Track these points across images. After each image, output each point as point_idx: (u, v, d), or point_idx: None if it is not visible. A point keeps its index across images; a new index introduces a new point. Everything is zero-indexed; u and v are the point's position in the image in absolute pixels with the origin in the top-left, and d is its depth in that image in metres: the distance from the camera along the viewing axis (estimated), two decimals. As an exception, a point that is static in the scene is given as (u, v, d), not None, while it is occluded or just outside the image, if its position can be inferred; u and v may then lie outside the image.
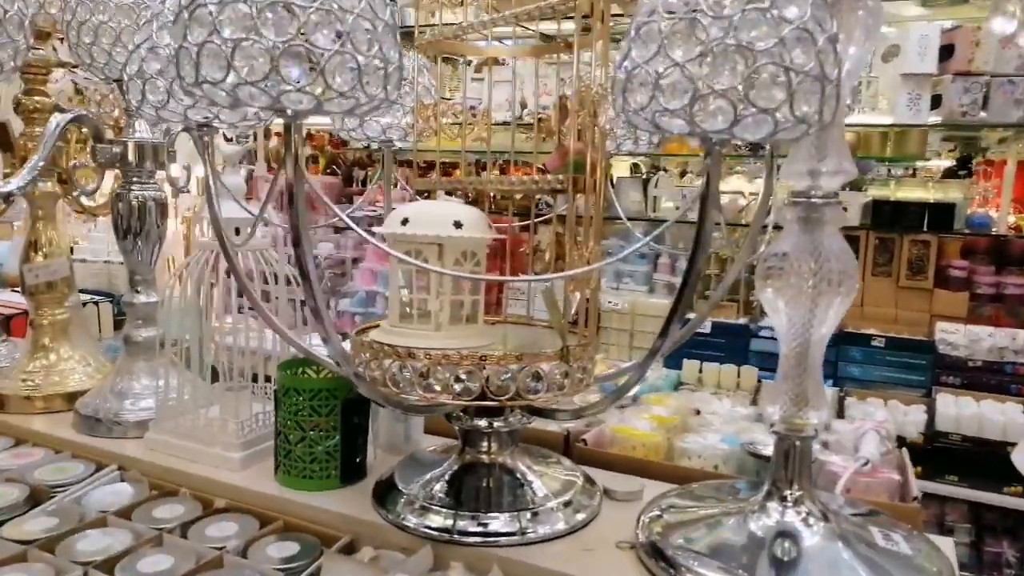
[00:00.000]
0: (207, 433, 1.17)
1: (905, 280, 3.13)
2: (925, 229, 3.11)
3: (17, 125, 1.42)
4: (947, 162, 3.99)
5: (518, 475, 1.02)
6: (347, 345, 0.99)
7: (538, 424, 1.08)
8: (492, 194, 1.08)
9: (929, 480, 2.49)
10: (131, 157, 1.28)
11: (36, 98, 1.39)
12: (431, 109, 1.09)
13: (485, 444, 1.03)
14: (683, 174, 4.21)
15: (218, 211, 0.96)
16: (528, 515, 0.96)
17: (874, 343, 2.93)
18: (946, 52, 2.87)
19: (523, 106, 3.46)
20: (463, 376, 0.88)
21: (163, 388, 1.21)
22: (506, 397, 0.89)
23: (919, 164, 4.00)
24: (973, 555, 2.53)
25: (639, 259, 3.63)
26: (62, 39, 1.27)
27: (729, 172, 3.77)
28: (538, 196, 1.09)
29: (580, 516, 0.98)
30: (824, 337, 0.85)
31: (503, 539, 0.93)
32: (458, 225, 0.92)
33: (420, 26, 1.09)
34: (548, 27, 1.04)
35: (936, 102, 2.91)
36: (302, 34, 0.61)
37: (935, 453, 2.48)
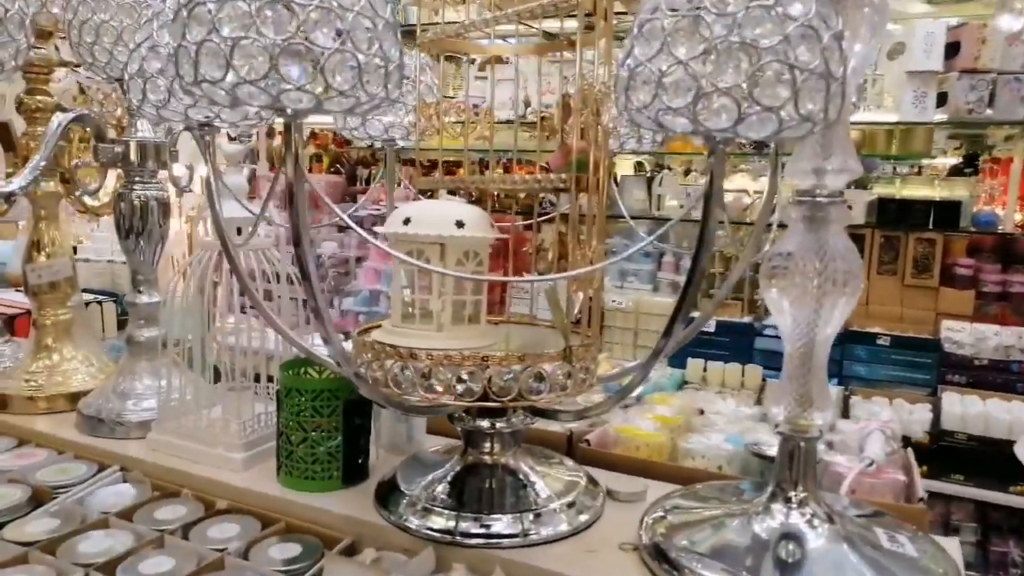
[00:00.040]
0: (209, 434, 1.17)
1: (911, 278, 3.12)
2: (931, 227, 3.09)
3: (20, 125, 1.42)
4: (953, 160, 3.98)
5: (521, 476, 1.01)
6: (349, 345, 0.98)
7: (541, 424, 1.08)
8: (495, 193, 1.08)
9: (935, 479, 2.48)
10: (133, 156, 1.27)
11: (38, 97, 1.38)
12: (433, 108, 1.08)
13: (487, 445, 1.02)
14: (687, 172, 4.20)
15: (219, 211, 0.95)
16: (531, 516, 0.95)
17: (879, 342, 2.91)
18: (952, 49, 2.85)
19: (527, 104, 3.46)
20: (465, 377, 0.87)
21: (165, 388, 1.21)
22: (508, 398, 0.88)
23: (925, 162, 3.98)
24: (979, 554, 2.51)
25: (643, 258, 3.62)
26: (64, 38, 1.26)
27: (733, 170, 3.76)
28: (541, 195, 1.08)
29: (583, 517, 0.98)
30: (829, 337, 0.84)
31: (506, 541, 0.93)
32: (460, 225, 0.92)
33: (422, 24, 1.08)
34: (551, 25, 1.03)
35: (942, 100, 2.90)
36: (302, 32, 0.61)
37: (941, 452, 2.46)
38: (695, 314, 1.07)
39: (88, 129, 1.29)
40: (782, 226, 0.93)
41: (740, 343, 2.96)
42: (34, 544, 0.97)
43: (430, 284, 0.96)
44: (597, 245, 0.92)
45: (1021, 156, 3.33)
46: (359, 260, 3.95)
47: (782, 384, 0.88)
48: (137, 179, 1.29)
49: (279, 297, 1.17)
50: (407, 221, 0.93)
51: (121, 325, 2.11)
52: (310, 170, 4.75)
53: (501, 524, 0.94)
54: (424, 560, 0.90)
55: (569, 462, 1.11)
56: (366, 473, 1.11)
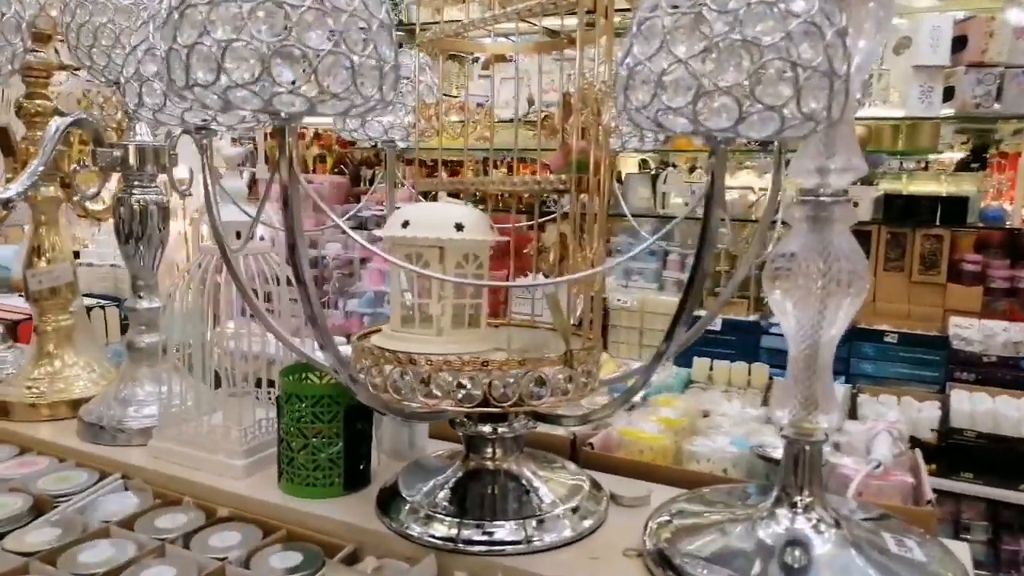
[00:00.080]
0: (210, 440, 1.16)
1: (918, 275, 3.10)
2: (938, 223, 3.07)
3: (19, 129, 1.41)
4: (960, 154, 3.94)
5: (523, 481, 1.00)
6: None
7: (544, 428, 1.06)
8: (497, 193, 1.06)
9: (944, 478, 2.45)
10: (132, 161, 1.27)
11: (37, 101, 1.38)
12: (433, 108, 1.07)
13: (489, 450, 1.01)
14: (692, 170, 4.18)
15: (217, 215, 0.94)
16: (534, 523, 0.94)
17: (887, 339, 2.89)
18: (959, 43, 2.83)
19: (530, 103, 3.44)
20: (465, 382, 0.86)
21: (166, 394, 1.20)
22: (509, 403, 0.87)
23: (931, 157, 3.96)
24: (990, 553, 2.49)
25: (649, 256, 3.60)
26: (63, 41, 1.26)
27: (739, 167, 3.74)
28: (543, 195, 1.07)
29: (587, 523, 0.96)
30: (834, 339, 0.83)
31: (509, 548, 0.92)
32: (459, 227, 0.91)
33: (422, 24, 1.07)
34: (553, 22, 1.02)
35: (949, 94, 2.87)
36: (294, 34, 0.59)
37: (950, 450, 2.44)
38: (701, 313, 1.06)
39: (84, 133, 1.28)
40: (787, 224, 0.92)
41: (746, 341, 2.94)
42: (35, 554, 0.96)
43: (430, 288, 0.95)
44: (598, 247, 0.91)
45: (1029, 151, 3.31)
46: (363, 261, 3.94)
47: (787, 386, 0.86)
48: (136, 183, 1.28)
49: (279, 301, 1.16)
50: (406, 224, 0.92)
51: (124, 330, 2.10)
52: (314, 170, 4.74)
53: (504, 531, 0.93)
54: (425, 568, 0.89)
55: (572, 466, 1.10)
56: (368, 479, 1.10)
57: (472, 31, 1.01)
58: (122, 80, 0.91)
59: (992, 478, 2.46)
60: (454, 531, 0.93)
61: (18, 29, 0.97)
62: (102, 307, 2.08)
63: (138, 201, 1.29)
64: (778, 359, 2.58)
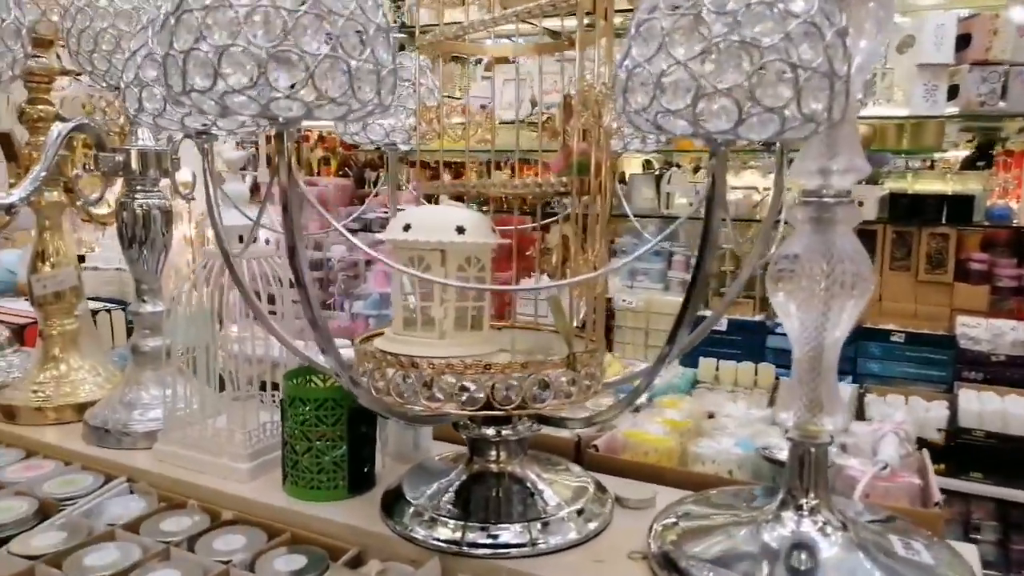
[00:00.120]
0: (215, 443, 1.16)
1: (924, 274, 3.08)
2: (944, 222, 3.05)
3: (22, 134, 1.42)
4: (965, 152, 3.92)
5: (528, 484, 1.00)
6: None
7: (548, 429, 1.06)
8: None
9: (953, 478, 2.44)
10: (134, 165, 1.27)
11: (40, 107, 1.38)
12: (434, 111, 1.07)
13: (493, 453, 1.01)
14: (696, 170, 4.17)
15: (219, 219, 0.94)
16: (538, 525, 0.94)
17: (893, 339, 2.87)
18: (963, 41, 2.81)
19: (534, 104, 3.44)
20: (467, 385, 0.86)
21: (171, 398, 1.20)
22: (512, 406, 0.87)
23: (937, 156, 3.93)
24: (1000, 554, 2.47)
25: (654, 256, 3.59)
26: (65, 46, 1.26)
27: (743, 167, 3.73)
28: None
29: (592, 525, 0.96)
30: (838, 340, 0.82)
31: (513, 550, 0.91)
32: (460, 230, 0.90)
33: (422, 26, 1.07)
34: (555, 23, 1.01)
35: (953, 92, 2.85)
36: (290, 39, 0.59)
37: (958, 450, 2.43)
38: (706, 313, 1.05)
39: (87, 138, 1.28)
40: (791, 224, 0.91)
41: (752, 341, 2.92)
42: (40, 558, 0.96)
43: (431, 291, 0.95)
44: (600, 249, 0.90)
45: (1035, 148, 3.29)
46: (368, 264, 3.94)
47: (791, 388, 0.86)
48: (139, 188, 1.29)
49: (283, 303, 1.16)
50: (407, 228, 0.92)
51: (131, 333, 2.11)
52: (318, 173, 4.75)
53: (509, 534, 0.93)
54: (430, 571, 0.89)
55: (576, 468, 1.10)
56: (372, 482, 1.10)
57: (472, 33, 1.01)
58: (122, 85, 0.91)
59: (1001, 478, 2.45)
60: (458, 534, 0.93)
61: (18, 35, 0.97)
62: (108, 311, 2.09)
63: (141, 206, 1.29)
64: (784, 359, 2.55)
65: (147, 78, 0.90)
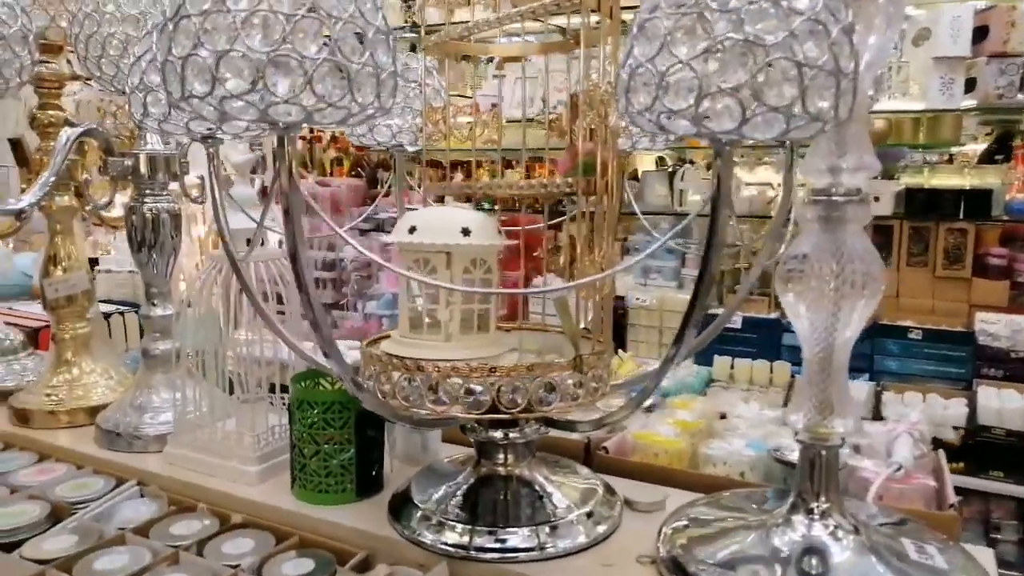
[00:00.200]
0: (224, 446, 1.16)
1: (942, 270, 3.04)
2: (961, 217, 3.01)
3: (33, 140, 1.43)
4: (983, 145, 3.87)
5: (536, 487, 0.99)
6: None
7: (557, 431, 1.05)
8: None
9: (972, 476, 2.40)
10: (143, 169, 1.27)
11: (50, 112, 1.39)
12: (440, 112, 1.06)
13: (501, 456, 1.00)
14: (710, 166, 4.13)
15: (224, 223, 0.94)
16: (547, 529, 0.93)
17: (911, 335, 2.84)
18: (980, 34, 2.78)
19: (545, 102, 3.43)
20: (473, 388, 0.85)
21: (180, 401, 1.21)
22: (518, 409, 0.86)
23: (955, 149, 3.88)
24: (1021, 554, 2.44)
25: (667, 254, 3.56)
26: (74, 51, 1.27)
27: (758, 162, 3.70)
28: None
29: (601, 528, 0.95)
30: (849, 341, 0.81)
31: (522, 555, 0.91)
32: (466, 232, 0.90)
33: (428, 26, 1.06)
34: (563, 21, 1.00)
35: (970, 85, 2.82)
36: (288, 43, 0.59)
37: (978, 449, 2.39)
38: (718, 311, 1.04)
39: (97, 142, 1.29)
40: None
41: (767, 339, 2.90)
42: (51, 562, 0.96)
43: (437, 293, 0.94)
44: (607, 249, 0.89)
45: (1055, 142, 3.24)
46: (382, 263, 3.94)
47: (802, 390, 0.84)
48: (148, 192, 1.29)
49: (290, 303, 1.16)
50: (412, 230, 0.91)
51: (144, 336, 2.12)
52: (331, 173, 4.76)
53: (517, 538, 0.92)
54: (437, 576, 0.89)
55: (585, 471, 1.09)
56: (381, 485, 1.10)
57: (477, 33, 1.00)
58: (127, 90, 0.91)
59: (1022, 477, 2.41)
60: (466, 538, 0.92)
61: (25, 41, 0.98)
62: (121, 313, 2.10)
63: (150, 209, 1.29)
64: (800, 356, 2.53)
65: (151, 83, 0.90)
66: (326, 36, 0.60)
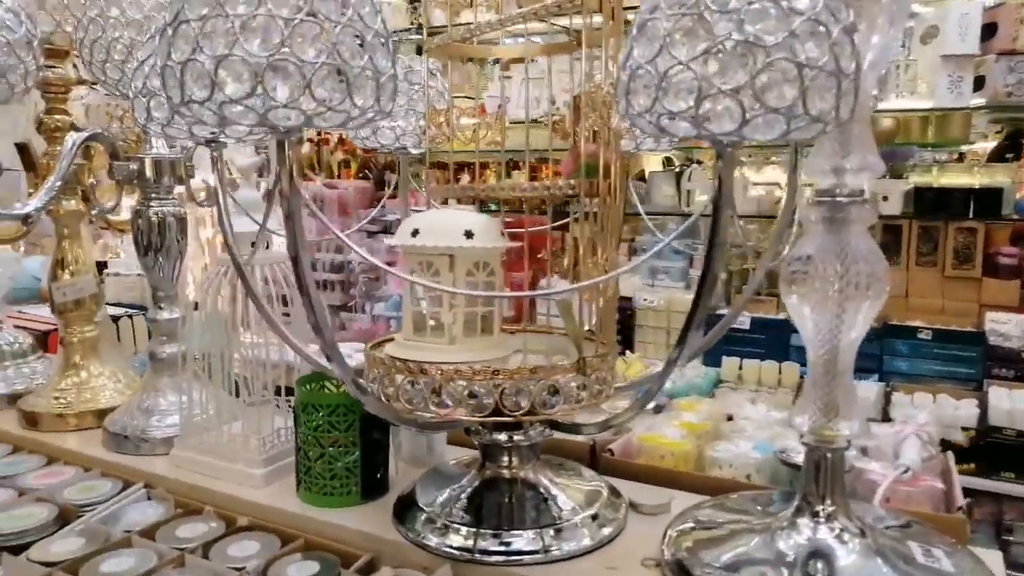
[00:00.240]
0: (230, 449, 1.16)
1: (951, 269, 3.01)
2: (971, 216, 2.98)
3: (40, 144, 1.43)
4: (993, 143, 3.84)
5: (541, 489, 0.99)
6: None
7: (562, 434, 1.05)
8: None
9: (984, 478, 2.39)
10: (149, 173, 1.28)
11: (57, 117, 1.39)
12: (443, 115, 1.06)
13: (505, 458, 1.00)
14: (718, 166, 4.12)
15: (228, 226, 0.95)
16: (552, 532, 0.93)
17: (920, 335, 2.82)
18: (988, 31, 2.76)
19: (552, 102, 3.42)
20: (476, 391, 0.85)
21: (187, 404, 1.21)
22: (521, 412, 0.86)
23: (965, 148, 3.85)
24: (1032, 555, 2.42)
25: (675, 255, 3.55)
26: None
27: (765, 162, 3.68)
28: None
29: (606, 531, 0.95)
30: (853, 342, 0.80)
31: (527, 557, 0.90)
32: (469, 235, 0.90)
33: (431, 28, 1.07)
34: (567, 22, 1.00)
35: (979, 83, 2.80)
36: (287, 47, 0.59)
37: (989, 450, 2.38)
38: (723, 311, 1.03)
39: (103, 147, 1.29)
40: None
41: (776, 340, 2.88)
42: (58, 564, 0.97)
43: (441, 296, 0.94)
44: (610, 251, 0.89)
45: (1066, 139, 3.21)
46: (390, 264, 3.95)
47: (807, 392, 0.84)
48: (154, 196, 1.30)
49: (294, 305, 1.16)
50: (415, 232, 0.91)
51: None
52: (339, 175, 4.76)
53: (522, 541, 0.92)
54: (441, 579, 0.89)
55: (590, 473, 1.08)
56: (386, 487, 1.10)
57: (480, 35, 1.00)
58: (131, 95, 0.91)
59: (1034, 478, 2.40)
60: (471, 541, 0.92)
61: (29, 47, 0.98)
62: (130, 316, 2.11)
63: (156, 213, 1.30)
64: (808, 358, 2.52)
65: (154, 87, 0.90)
66: (324, 40, 0.60)
